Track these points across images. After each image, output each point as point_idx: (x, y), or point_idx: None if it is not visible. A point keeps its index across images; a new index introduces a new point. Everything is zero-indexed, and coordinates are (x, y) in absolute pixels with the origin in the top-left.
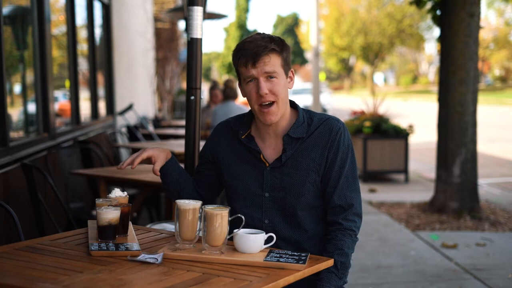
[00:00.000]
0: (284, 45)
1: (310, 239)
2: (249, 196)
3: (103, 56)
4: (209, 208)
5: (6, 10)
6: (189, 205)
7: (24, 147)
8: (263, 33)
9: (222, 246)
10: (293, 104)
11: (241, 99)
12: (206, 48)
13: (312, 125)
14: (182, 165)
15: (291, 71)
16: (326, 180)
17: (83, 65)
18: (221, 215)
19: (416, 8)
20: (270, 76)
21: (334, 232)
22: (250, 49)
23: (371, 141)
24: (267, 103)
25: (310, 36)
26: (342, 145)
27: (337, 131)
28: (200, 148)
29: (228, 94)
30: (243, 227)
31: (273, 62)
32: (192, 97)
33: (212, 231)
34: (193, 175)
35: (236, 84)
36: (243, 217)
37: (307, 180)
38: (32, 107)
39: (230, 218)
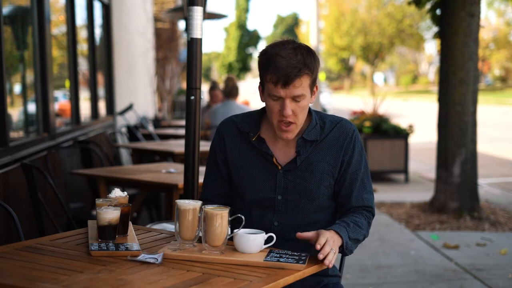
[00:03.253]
0: (315, 64)
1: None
2: (261, 199)
3: (103, 56)
4: (209, 208)
5: (6, 10)
6: (189, 205)
7: (24, 147)
8: (295, 45)
9: (222, 246)
10: None
11: (241, 99)
12: (206, 48)
13: (325, 128)
14: (182, 165)
15: (316, 86)
16: (341, 182)
17: (83, 65)
18: (221, 215)
19: (416, 8)
20: (297, 99)
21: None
22: (282, 69)
23: (371, 141)
24: (287, 122)
25: (310, 36)
26: (357, 147)
27: (352, 134)
28: (201, 148)
29: (229, 93)
30: (243, 227)
31: (304, 85)
32: (192, 97)
33: (212, 231)
34: (206, 182)
35: (237, 83)
36: (243, 217)
37: (322, 183)
38: (32, 107)
39: (230, 218)
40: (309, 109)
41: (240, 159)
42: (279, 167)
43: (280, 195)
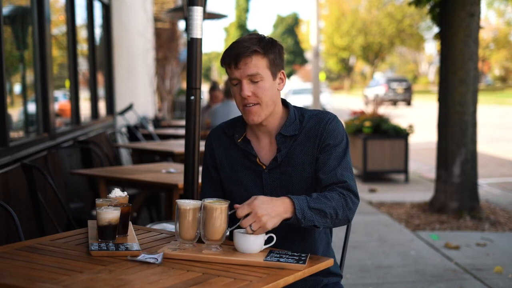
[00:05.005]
0: (271, 46)
1: (306, 237)
2: None
3: (103, 56)
4: (208, 201)
5: (6, 10)
6: (189, 205)
7: (24, 147)
8: (255, 34)
9: (221, 240)
10: (284, 103)
11: None
12: (206, 48)
13: (304, 121)
14: (182, 165)
15: (282, 72)
16: (317, 163)
17: (83, 65)
18: (220, 209)
19: (416, 8)
20: (253, 79)
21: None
22: (234, 50)
23: (371, 141)
24: (250, 104)
25: (310, 36)
26: (332, 132)
27: (327, 121)
28: (201, 148)
29: (229, 93)
30: None
31: (256, 64)
32: (192, 97)
33: (211, 225)
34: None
35: None
36: None
37: (304, 174)
38: (32, 107)
39: (230, 212)
40: (288, 104)
41: (228, 163)
42: (264, 167)
43: (269, 195)
